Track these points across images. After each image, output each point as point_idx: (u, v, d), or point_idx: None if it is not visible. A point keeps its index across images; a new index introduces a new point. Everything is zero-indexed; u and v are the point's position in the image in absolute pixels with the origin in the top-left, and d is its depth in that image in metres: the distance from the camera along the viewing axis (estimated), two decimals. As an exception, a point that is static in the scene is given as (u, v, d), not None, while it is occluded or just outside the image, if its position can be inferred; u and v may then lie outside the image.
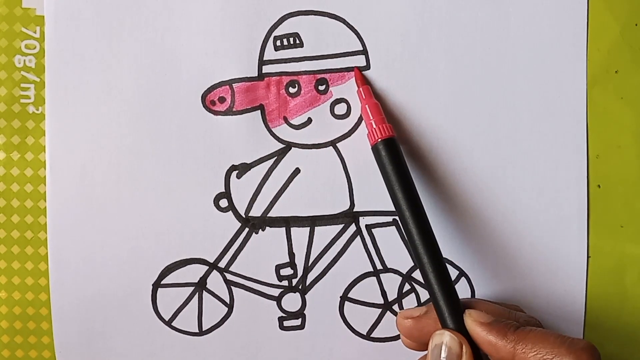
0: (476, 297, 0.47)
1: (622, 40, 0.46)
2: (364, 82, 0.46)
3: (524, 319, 0.42)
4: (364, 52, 0.46)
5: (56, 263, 0.46)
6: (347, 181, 0.47)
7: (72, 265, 0.46)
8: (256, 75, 0.46)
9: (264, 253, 0.47)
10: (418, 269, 0.45)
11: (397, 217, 0.47)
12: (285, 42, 0.45)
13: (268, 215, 0.47)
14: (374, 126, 0.44)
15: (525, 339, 0.38)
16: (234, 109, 0.46)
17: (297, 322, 0.48)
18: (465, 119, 0.46)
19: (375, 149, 0.44)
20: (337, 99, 0.46)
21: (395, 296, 0.48)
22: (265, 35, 0.45)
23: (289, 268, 0.47)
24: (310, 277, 0.47)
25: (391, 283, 0.48)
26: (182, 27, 0.45)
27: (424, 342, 0.43)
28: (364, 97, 0.45)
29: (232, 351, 0.48)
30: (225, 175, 0.46)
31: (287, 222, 0.47)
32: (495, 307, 0.42)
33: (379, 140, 0.44)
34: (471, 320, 0.40)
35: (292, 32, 0.45)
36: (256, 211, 0.47)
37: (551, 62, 0.46)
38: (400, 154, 0.44)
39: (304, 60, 0.46)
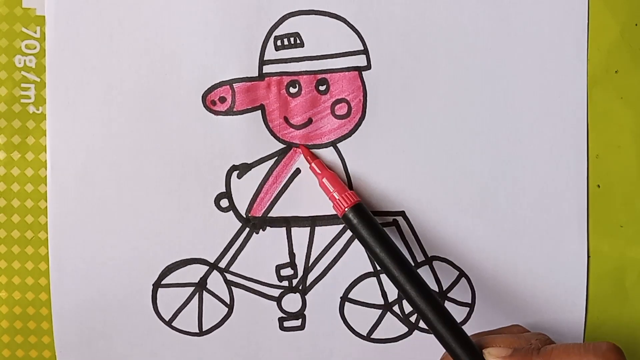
0: (476, 297, 0.48)
1: (622, 40, 0.46)
2: (315, 157, 0.46)
3: (536, 338, 0.42)
4: (365, 52, 0.46)
5: (56, 263, 0.46)
6: (347, 181, 0.47)
7: (73, 265, 0.46)
8: (257, 75, 0.46)
9: (265, 253, 0.47)
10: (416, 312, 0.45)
11: (397, 218, 0.47)
12: (285, 42, 0.45)
13: (269, 215, 0.47)
14: (338, 197, 0.44)
15: (551, 357, 0.39)
16: (235, 109, 0.46)
17: (297, 322, 0.48)
18: (466, 118, 0.46)
19: (345, 218, 0.44)
20: (337, 99, 0.46)
21: (396, 297, 0.48)
22: (266, 35, 0.45)
23: (289, 268, 0.47)
24: (311, 278, 0.47)
25: (391, 283, 0.47)
26: (182, 27, 0.45)
27: None
28: (319, 171, 0.46)
29: (232, 352, 0.48)
30: (226, 175, 0.46)
31: (288, 222, 0.47)
32: (504, 337, 0.42)
33: (347, 209, 0.44)
34: (493, 358, 0.41)
35: (292, 32, 0.45)
36: (257, 211, 0.47)
37: (551, 62, 0.46)
38: (370, 215, 0.44)
39: (304, 60, 0.46)
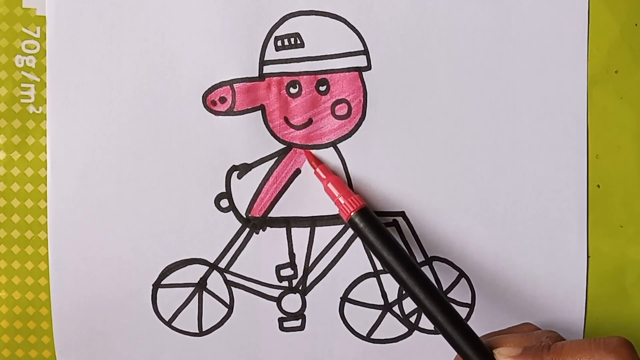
0: (476, 298, 0.48)
1: (622, 40, 0.46)
2: (319, 162, 0.46)
3: (546, 336, 0.42)
4: (365, 52, 0.46)
5: (56, 263, 0.46)
6: (347, 181, 0.47)
7: (72, 265, 0.46)
8: (257, 75, 0.46)
9: (265, 253, 0.47)
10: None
11: (397, 218, 0.47)
12: (286, 42, 0.46)
13: (269, 215, 0.47)
14: (343, 201, 0.44)
15: (561, 354, 0.39)
16: (235, 109, 0.46)
17: (297, 323, 0.48)
18: (466, 119, 0.46)
19: (351, 222, 0.44)
20: (337, 99, 0.46)
21: (396, 297, 0.48)
22: (266, 36, 0.45)
23: (289, 268, 0.47)
24: (311, 278, 0.47)
25: (391, 284, 0.48)
26: (182, 27, 0.45)
27: None
28: (323, 176, 0.45)
29: (231, 352, 0.48)
30: (226, 175, 0.46)
31: (288, 223, 0.47)
32: (514, 336, 0.42)
33: (352, 213, 0.44)
34: (504, 357, 0.40)
35: (293, 32, 0.45)
36: (257, 211, 0.47)
37: (551, 62, 0.46)
38: (376, 219, 0.44)
39: (304, 61, 0.46)
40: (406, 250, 0.44)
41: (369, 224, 0.44)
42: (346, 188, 0.45)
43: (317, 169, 0.46)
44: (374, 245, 0.43)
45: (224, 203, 0.46)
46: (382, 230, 0.44)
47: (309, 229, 0.47)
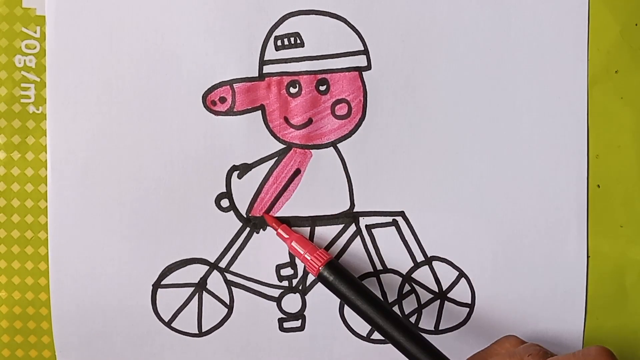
0: (476, 298, 0.47)
1: (622, 40, 0.46)
2: (280, 223, 0.46)
3: (528, 354, 0.41)
4: (365, 52, 0.46)
5: (56, 263, 0.46)
6: (347, 181, 0.47)
7: (72, 265, 0.46)
8: (257, 75, 0.46)
9: (265, 253, 0.47)
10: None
11: (396, 218, 0.47)
12: (286, 42, 0.46)
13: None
14: (309, 258, 0.45)
15: None
16: (235, 109, 0.46)
17: (297, 323, 0.48)
18: (466, 119, 0.46)
19: (321, 277, 0.45)
20: (337, 99, 0.46)
21: (396, 297, 0.48)
22: (266, 35, 0.45)
23: (289, 268, 0.47)
24: (311, 278, 0.47)
25: (391, 284, 0.48)
26: (182, 27, 0.45)
27: None
28: (286, 236, 0.46)
29: (231, 353, 0.48)
30: (226, 175, 0.46)
31: (288, 222, 0.47)
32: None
33: (321, 267, 0.44)
34: None
35: (292, 32, 0.45)
36: (257, 211, 0.47)
37: (551, 62, 0.46)
38: (345, 270, 0.45)
39: (304, 60, 0.46)
40: (380, 298, 0.45)
41: (338, 276, 0.44)
42: (310, 244, 0.45)
43: (279, 230, 0.46)
44: (346, 296, 0.44)
45: (225, 203, 0.46)
46: (353, 280, 0.44)
47: (309, 228, 0.47)
